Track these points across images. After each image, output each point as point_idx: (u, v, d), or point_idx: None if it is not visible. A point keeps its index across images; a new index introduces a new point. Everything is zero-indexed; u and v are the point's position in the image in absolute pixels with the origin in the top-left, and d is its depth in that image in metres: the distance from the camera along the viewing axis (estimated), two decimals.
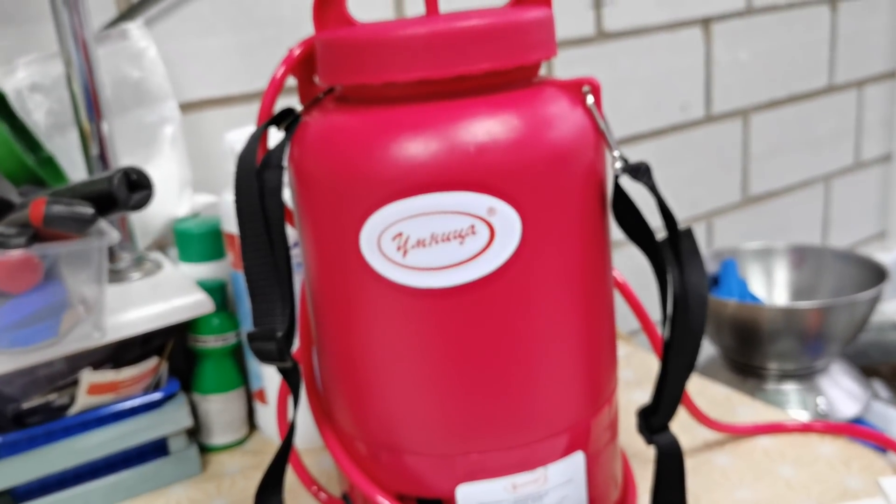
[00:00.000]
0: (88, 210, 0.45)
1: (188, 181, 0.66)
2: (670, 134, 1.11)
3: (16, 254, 0.46)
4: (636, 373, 0.70)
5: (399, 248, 0.40)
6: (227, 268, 0.63)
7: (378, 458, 0.45)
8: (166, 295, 0.58)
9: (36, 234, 0.47)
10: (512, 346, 0.42)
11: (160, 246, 0.68)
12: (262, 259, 0.44)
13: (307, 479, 0.51)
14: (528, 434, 0.43)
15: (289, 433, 0.46)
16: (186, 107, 0.72)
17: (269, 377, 0.60)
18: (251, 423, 0.65)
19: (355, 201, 0.41)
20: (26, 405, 0.54)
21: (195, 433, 0.62)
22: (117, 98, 0.64)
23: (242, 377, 0.63)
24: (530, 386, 0.43)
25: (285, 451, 0.46)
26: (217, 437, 0.62)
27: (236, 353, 0.63)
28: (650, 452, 0.57)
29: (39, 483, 0.56)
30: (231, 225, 0.58)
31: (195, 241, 0.63)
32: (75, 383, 0.55)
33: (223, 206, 0.59)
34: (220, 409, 0.62)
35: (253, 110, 0.75)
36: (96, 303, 0.50)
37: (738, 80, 1.16)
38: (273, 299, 0.44)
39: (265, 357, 0.45)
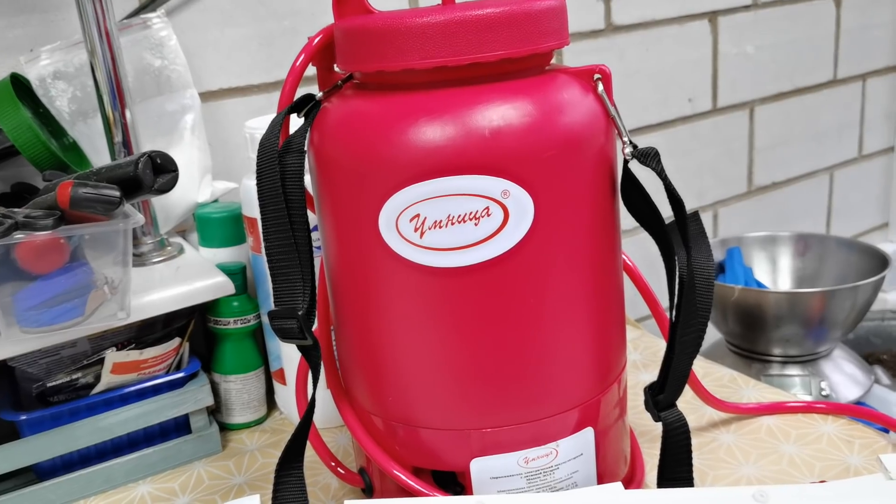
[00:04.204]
0: (115, 192, 0.47)
1: (208, 168, 0.68)
2: (678, 125, 1.12)
3: (43, 235, 0.48)
4: (643, 356, 0.71)
5: (416, 229, 0.42)
6: (246, 252, 0.65)
7: (394, 432, 0.47)
8: (188, 277, 0.60)
9: (63, 217, 0.49)
10: (524, 324, 0.44)
11: (181, 231, 0.70)
12: (283, 240, 0.46)
13: (326, 455, 0.53)
14: (539, 410, 0.45)
15: (309, 407, 0.47)
16: (205, 96, 0.73)
17: (288, 358, 0.62)
18: (270, 403, 0.67)
19: (374, 184, 0.42)
20: (51, 383, 0.56)
21: (215, 412, 0.64)
22: (139, 86, 0.66)
23: (262, 358, 0.65)
24: (542, 363, 0.44)
25: (306, 425, 0.47)
26: (236, 416, 0.64)
27: (256, 335, 0.64)
28: (657, 431, 0.59)
29: (63, 460, 0.58)
30: (251, 209, 0.60)
31: (215, 226, 0.64)
32: (99, 362, 0.57)
33: (243, 191, 0.60)
34: (240, 389, 0.63)
35: (270, 100, 0.77)
36: (121, 284, 0.52)
37: (744, 73, 1.17)
38: (294, 279, 0.46)
39: (286, 335, 0.46)
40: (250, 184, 0.59)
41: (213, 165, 0.70)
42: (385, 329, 0.45)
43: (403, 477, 0.46)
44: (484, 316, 0.43)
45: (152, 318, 0.59)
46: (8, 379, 0.59)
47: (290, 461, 0.47)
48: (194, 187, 0.67)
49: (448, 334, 0.44)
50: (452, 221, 0.41)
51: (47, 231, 0.47)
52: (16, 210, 0.49)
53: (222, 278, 0.60)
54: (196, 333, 0.62)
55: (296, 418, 0.64)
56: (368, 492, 0.51)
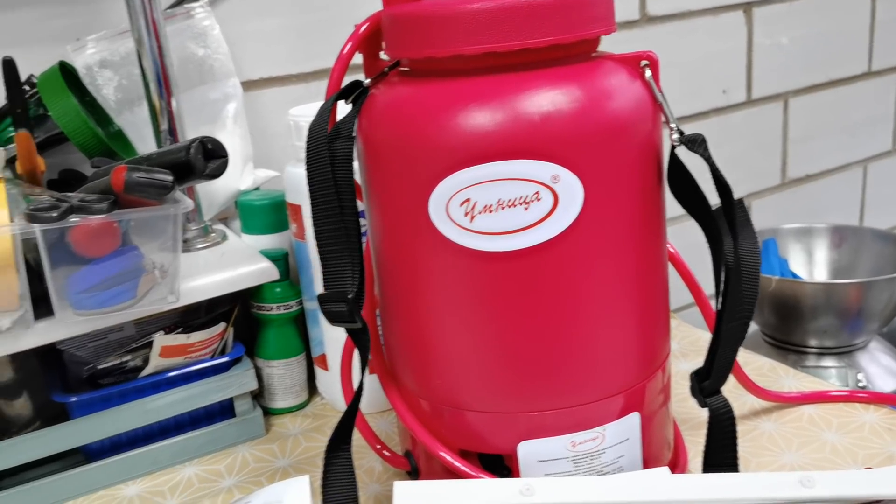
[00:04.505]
0: (168, 177, 0.48)
1: (250, 156, 0.69)
2: (712, 117, 1.12)
3: (97, 219, 0.49)
4: (681, 345, 0.71)
5: (466, 214, 0.42)
6: (288, 239, 0.66)
7: (441, 415, 0.47)
8: (233, 263, 0.60)
9: (116, 201, 0.50)
10: (572, 308, 0.44)
11: (222, 219, 0.71)
12: (332, 224, 0.46)
13: (371, 438, 0.53)
14: (586, 394, 0.45)
15: (358, 390, 0.48)
16: (245, 85, 0.74)
17: (330, 344, 0.63)
18: (311, 389, 0.67)
19: (424, 169, 0.43)
20: (102, 366, 0.57)
21: (258, 396, 0.65)
22: (182, 75, 0.67)
23: (303, 344, 0.65)
24: (589, 348, 0.45)
25: (354, 407, 0.48)
26: (279, 401, 0.65)
27: (298, 321, 0.65)
28: (698, 419, 0.59)
29: (111, 441, 0.59)
30: (295, 196, 0.61)
31: (258, 213, 0.65)
32: (148, 346, 0.58)
33: (287, 179, 0.61)
34: (282, 374, 0.64)
35: (308, 89, 0.78)
36: (171, 268, 0.53)
37: (778, 65, 1.17)
38: (343, 263, 0.46)
39: (335, 318, 0.47)
40: (294, 171, 0.60)
41: (253, 154, 0.71)
42: (432, 313, 0.46)
43: (450, 459, 0.47)
44: (532, 300, 0.43)
45: (197, 303, 0.60)
46: (56, 362, 0.60)
47: (339, 443, 0.48)
48: (237, 175, 0.67)
49: (496, 318, 0.44)
50: (502, 206, 0.42)
51: (102, 215, 0.48)
52: (69, 194, 0.50)
53: (267, 264, 0.60)
54: (239, 319, 0.63)
55: (338, 404, 0.65)
56: (414, 474, 0.52)
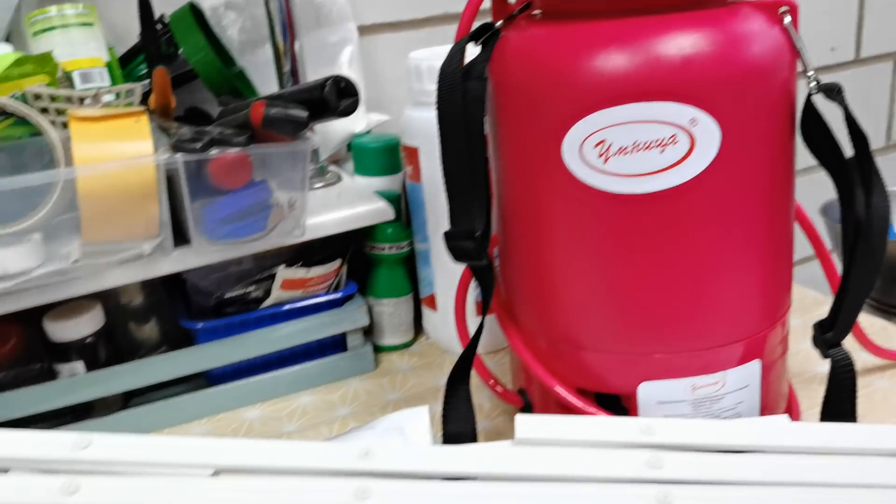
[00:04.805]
0: (303, 113, 0.49)
1: (364, 100, 0.70)
2: (819, 74, 1.08)
3: (234, 151, 0.51)
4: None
5: (601, 155, 0.43)
6: (399, 182, 0.67)
7: (560, 354, 0.49)
8: (351, 202, 0.62)
9: (252, 136, 0.51)
10: (699, 253, 0.44)
11: (333, 161, 0.73)
12: (461, 162, 0.47)
13: (485, 374, 0.55)
14: (709, 339, 0.46)
15: (479, 326, 0.49)
16: (361, 30, 0.75)
17: (441, 285, 0.64)
18: (416, 328, 0.69)
19: (560, 110, 0.43)
20: (228, 295, 0.60)
21: (367, 333, 0.67)
22: (302, 18, 0.68)
23: (411, 284, 0.67)
24: (715, 293, 0.45)
25: (475, 341, 0.50)
26: (387, 339, 0.67)
27: (408, 261, 0.67)
28: (808, 375, 0.59)
29: (232, 368, 0.62)
30: (412, 139, 0.62)
31: (372, 155, 0.67)
32: (269, 279, 0.60)
33: (405, 121, 0.62)
34: (391, 313, 0.66)
35: (419, 35, 0.78)
36: (299, 203, 0.55)
37: (889, 24, 1.12)
38: (471, 200, 0.47)
39: (462, 255, 0.48)
40: (412, 114, 0.61)
41: (366, 98, 0.72)
42: (558, 253, 0.46)
43: (568, 396, 0.48)
44: (661, 243, 0.44)
45: (315, 240, 0.61)
46: (180, 292, 0.63)
47: (460, 377, 0.50)
48: (351, 118, 0.69)
49: (623, 259, 0.45)
50: (638, 148, 0.42)
51: (240, 148, 0.50)
52: (206, 128, 0.52)
53: (383, 204, 0.62)
54: (352, 258, 0.65)
55: (444, 343, 0.67)
56: (527, 411, 0.53)
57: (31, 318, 0.57)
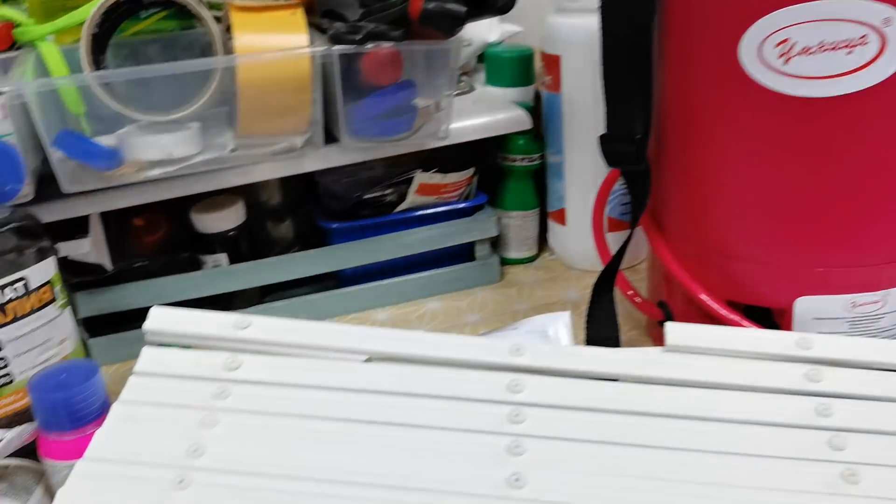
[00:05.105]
0: (461, 8, 0.49)
1: None
2: None
3: (386, 46, 0.51)
4: None
5: (782, 55, 0.41)
6: (531, 94, 0.66)
7: (711, 264, 0.48)
8: (489, 110, 0.62)
9: (406, 32, 0.51)
10: (872, 164, 0.43)
11: (463, 73, 0.72)
12: (624, 63, 0.46)
13: (623, 285, 0.54)
14: (874, 256, 0.44)
15: (630, 233, 0.49)
16: None
17: (572, 198, 0.64)
18: (540, 244, 0.69)
19: (739, 6, 0.42)
20: (366, 196, 0.60)
21: (494, 246, 0.67)
22: None
23: (539, 199, 0.67)
24: (885, 208, 0.43)
25: (622, 250, 0.49)
26: (512, 251, 0.67)
27: (537, 175, 0.66)
28: None
29: (363, 270, 0.63)
30: (553, 47, 0.60)
31: (506, 65, 0.66)
32: (405, 183, 0.61)
33: (548, 28, 0.61)
34: (519, 226, 0.66)
35: None
36: (445, 105, 0.54)
37: None
38: (632, 103, 0.46)
39: (618, 160, 0.47)
40: (556, 21, 0.60)
41: None
42: (724, 158, 0.45)
43: (717, 306, 0.47)
44: (836, 150, 0.42)
45: (445, 147, 0.61)
46: (312, 195, 0.64)
47: (605, 285, 0.50)
48: (485, 27, 0.68)
49: (795, 165, 0.43)
50: (823, 48, 0.40)
51: (396, 42, 0.50)
52: (361, 22, 0.52)
53: (521, 112, 0.61)
54: (482, 170, 0.64)
55: (572, 259, 0.66)
56: None
57: (179, 211, 0.59)
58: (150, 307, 0.47)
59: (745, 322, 0.47)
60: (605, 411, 0.42)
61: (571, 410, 0.42)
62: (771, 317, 0.48)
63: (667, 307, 0.52)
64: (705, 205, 0.47)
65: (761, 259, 0.46)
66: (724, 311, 0.47)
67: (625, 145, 0.46)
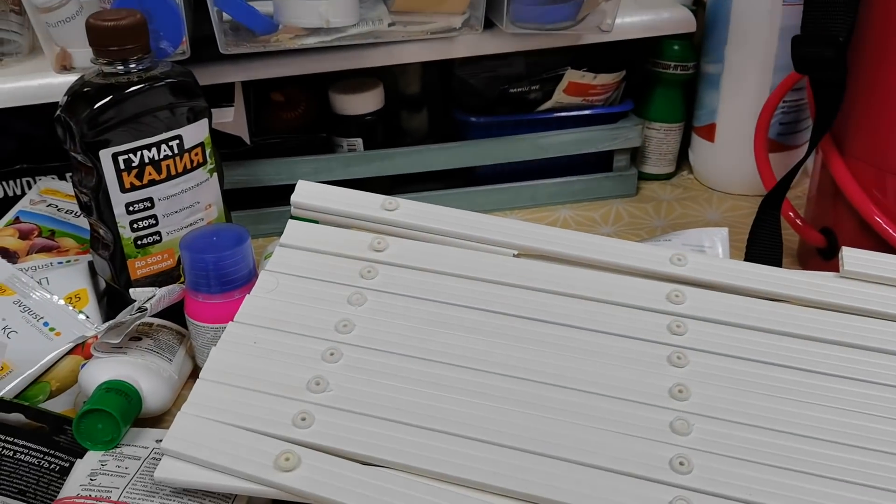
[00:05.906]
0: None
1: None
2: None
3: None
4: None
5: None
6: None
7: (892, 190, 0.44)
8: (652, 7, 0.57)
9: None
10: None
11: None
12: None
13: (786, 206, 0.51)
14: None
15: (809, 149, 0.45)
16: None
17: (725, 113, 0.60)
18: (678, 162, 0.65)
19: None
20: (513, 89, 0.58)
21: (633, 157, 0.63)
22: None
23: (685, 113, 0.63)
24: None
25: (797, 168, 0.46)
26: (650, 166, 0.64)
27: (688, 86, 0.62)
28: None
29: (497, 170, 0.60)
30: None
31: None
32: (552, 80, 0.57)
33: None
34: (661, 139, 0.63)
35: None
36: None
37: None
38: (836, 4, 0.42)
39: (812, 65, 0.43)
40: None
41: None
42: None
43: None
44: None
45: (596, 45, 0.57)
46: (449, 89, 0.61)
47: (774, 200, 0.46)
48: None
49: None
50: None
51: None
52: None
53: (687, 13, 0.57)
54: (633, 74, 0.60)
55: (715, 179, 0.62)
56: (829, 253, 0.49)
57: (318, 91, 0.57)
58: (282, 185, 0.46)
59: None
60: (772, 332, 0.39)
61: (736, 328, 0.39)
62: None
63: (832, 234, 0.49)
64: None
65: None
66: None
67: (824, 48, 0.42)
